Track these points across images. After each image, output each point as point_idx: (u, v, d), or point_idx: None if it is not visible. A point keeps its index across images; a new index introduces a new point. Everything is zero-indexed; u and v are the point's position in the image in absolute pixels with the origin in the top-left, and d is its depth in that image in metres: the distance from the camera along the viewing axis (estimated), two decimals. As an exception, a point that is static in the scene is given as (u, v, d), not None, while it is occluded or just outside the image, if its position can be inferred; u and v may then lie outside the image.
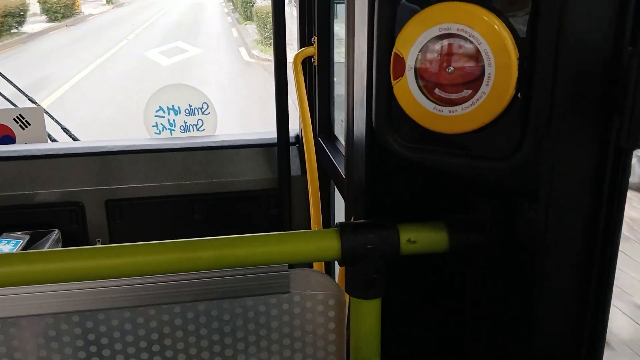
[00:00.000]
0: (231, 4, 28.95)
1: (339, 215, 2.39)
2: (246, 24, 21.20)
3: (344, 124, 1.19)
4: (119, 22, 24.01)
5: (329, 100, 2.27)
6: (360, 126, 0.98)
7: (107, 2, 33.77)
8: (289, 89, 2.26)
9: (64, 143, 2.50)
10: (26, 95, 3.23)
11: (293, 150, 2.45)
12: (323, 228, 2.12)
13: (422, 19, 0.79)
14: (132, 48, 17.12)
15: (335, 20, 2.22)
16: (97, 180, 2.33)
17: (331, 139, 2.29)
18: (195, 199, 2.38)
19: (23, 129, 2.61)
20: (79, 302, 0.96)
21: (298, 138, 2.48)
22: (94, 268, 0.90)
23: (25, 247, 2.15)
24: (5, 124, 2.59)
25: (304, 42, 2.29)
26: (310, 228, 2.14)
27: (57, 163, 2.32)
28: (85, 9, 29.25)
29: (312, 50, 2.20)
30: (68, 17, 24.61)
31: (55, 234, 2.23)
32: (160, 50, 15.96)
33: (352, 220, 1.09)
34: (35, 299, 0.94)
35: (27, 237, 2.19)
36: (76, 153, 2.33)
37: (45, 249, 2.11)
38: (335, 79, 2.32)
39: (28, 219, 2.29)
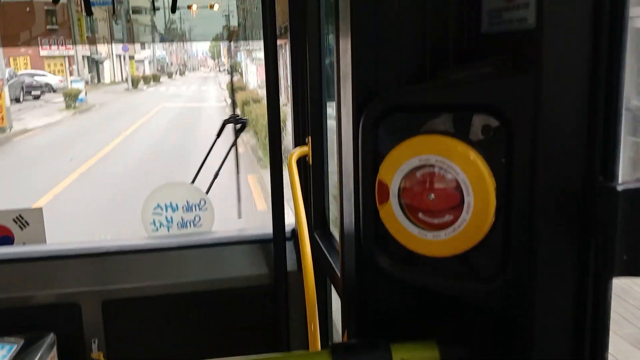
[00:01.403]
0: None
1: (337, 312, 2.37)
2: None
3: (338, 237, 1.21)
4: (54, 152, 15.38)
5: (323, 198, 2.32)
6: (350, 245, 1.01)
7: (66, 106, 25.99)
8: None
9: (61, 244, 2.51)
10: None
11: (289, 246, 2.46)
12: (320, 327, 2.10)
13: (403, 150, 0.84)
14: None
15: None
16: (94, 280, 2.33)
17: (327, 235, 2.31)
18: (191, 297, 2.37)
19: (22, 229, 2.64)
20: None
21: (294, 232, 2.51)
22: None
23: (19, 352, 2.12)
24: (4, 224, 2.62)
25: (298, 141, 2.36)
26: (306, 326, 2.12)
27: (54, 264, 2.33)
28: (30, 118, 21.46)
29: (306, 149, 2.26)
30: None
31: (50, 337, 2.20)
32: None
33: (346, 338, 1.09)
34: None
35: (21, 342, 2.16)
36: (73, 254, 2.34)
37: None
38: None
39: (23, 322, 2.27)
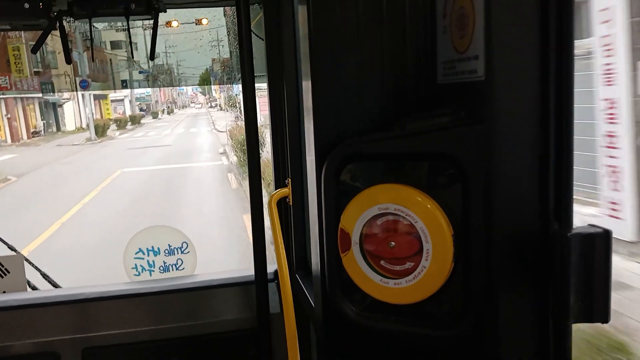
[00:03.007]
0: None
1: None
2: None
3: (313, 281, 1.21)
4: None
5: (304, 239, 2.31)
6: (317, 292, 1.01)
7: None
8: None
9: (41, 292, 2.48)
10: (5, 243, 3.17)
11: (272, 287, 2.44)
12: None
13: (363, 199, 0.85)
14: None
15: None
16: (74, 328, 2.29)
17: (308, 276, 2.30)
18: (172, 344, 2.33)
19: (2, 277, 2.61)
20: None
21: (277, 274, 2.49)
22: None
23: (-5, 405, 2.07)
24: (-17, 272, 2.58)
25: (278, 183, 2.37)
26: None
27: (33, 313, 2.29)
28: None
29: (286, 191, 2.27)
30: None
31: (28, 388, 2.16)
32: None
33: None
34: None
35: (-3, 394, 2.11)
36: (53, 302, 2.31)
37: None
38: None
39: None
